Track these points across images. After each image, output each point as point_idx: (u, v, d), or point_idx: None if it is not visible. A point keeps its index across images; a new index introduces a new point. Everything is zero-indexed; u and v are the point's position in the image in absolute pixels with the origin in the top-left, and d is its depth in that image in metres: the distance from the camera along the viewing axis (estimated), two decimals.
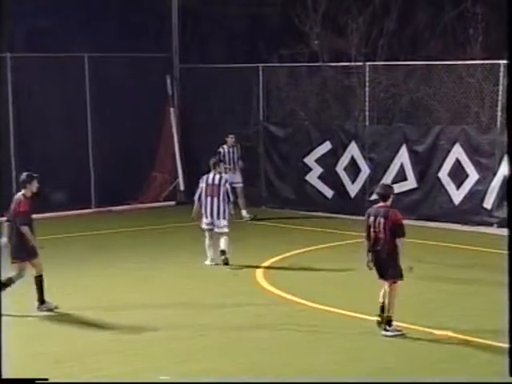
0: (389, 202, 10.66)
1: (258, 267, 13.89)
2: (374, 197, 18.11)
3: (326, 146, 18.94)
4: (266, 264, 14.17)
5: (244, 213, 18.25)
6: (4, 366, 6.38)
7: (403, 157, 17.84)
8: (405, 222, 17.68)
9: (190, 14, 21.46)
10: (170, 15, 20.97)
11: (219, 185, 14.20)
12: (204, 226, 14.33)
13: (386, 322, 10.18)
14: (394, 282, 10.32)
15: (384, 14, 19.41)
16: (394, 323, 10.21)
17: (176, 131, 20.61)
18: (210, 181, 14.24)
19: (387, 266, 10.32)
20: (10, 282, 11.44)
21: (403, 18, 19.61)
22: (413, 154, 17.72)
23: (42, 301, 11.49)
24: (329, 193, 18.97)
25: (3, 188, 18.60)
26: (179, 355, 9.57)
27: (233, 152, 18.29)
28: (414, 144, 17.74)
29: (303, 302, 11.80)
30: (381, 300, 10.31)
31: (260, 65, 19.91)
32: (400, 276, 10.34)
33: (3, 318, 7.59)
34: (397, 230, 10.44)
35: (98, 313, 11.40)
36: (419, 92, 17.89)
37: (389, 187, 11.03)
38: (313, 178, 19.16)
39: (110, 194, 19.52)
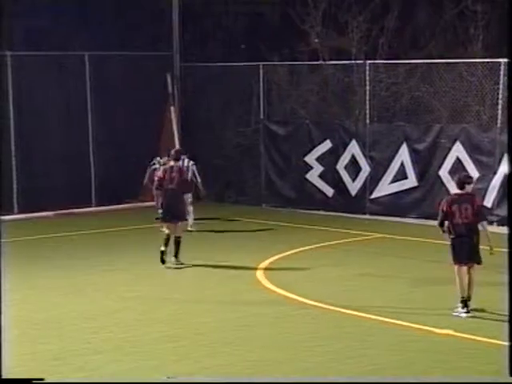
0: (470, 189, 11.06)
1: (258, 266, 13.87)
2: (375, 196, 18.22)
3: (327, 145, 18.91)
4: (266, 263, 14.15)
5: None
6: (4, 366, 6.33)
7: (404, 155, 17.81)
8: (405, 220, 17.91)
9: (190, 12, 21.44)
10: (170, 13, 20.95)
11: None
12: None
13: (465, 301, 10.75)
14: (478, 264, 10.86)
15: (384, 12, 19.36)
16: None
17: (176, 129, 20.58)
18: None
19: (475, 250, 10.81)
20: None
21: (404, 16, 19.56)
22: (413, 152, 17.69)
23: (176, 256, 14.01)
24: (329, 191, 18.94)
25: (4, 185, 18.66)
26: (177, 354, 9.55)
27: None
28: (415, 142, 17.71)
29: (303, 300, 11.78)
30: (465, 290, 10.79)
31: (260, 63, 19.89)
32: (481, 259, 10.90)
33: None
34: (480, 215, 10.95)
35: (98, 311, 11.38)
36: (420, 90, 17.84)
37: (468, 176, 11.67)
38: (313, 176, 19.13)
39: (111, 192, 19.52)
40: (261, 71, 19.88)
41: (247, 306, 11.57)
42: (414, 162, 17.67)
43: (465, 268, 10.90)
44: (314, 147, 19.07)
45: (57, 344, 9.92)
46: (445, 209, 10.93)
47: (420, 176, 17.64)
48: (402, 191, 17.90)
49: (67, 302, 11.92)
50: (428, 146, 17.51)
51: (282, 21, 21.71)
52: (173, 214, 14.10)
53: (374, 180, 18.27)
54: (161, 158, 17.06)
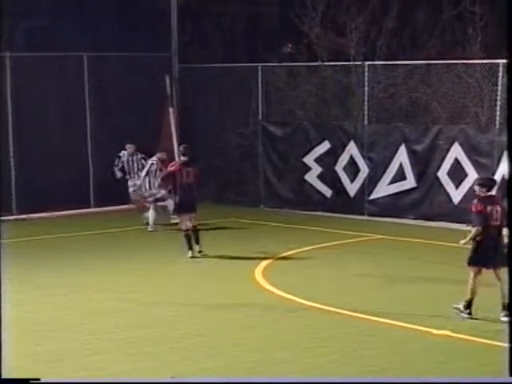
0: (494, 192, 11.22)
1: (257, 267, 13.89)
2: (374, 197, 18.24)
3: (325, 146, 18.94)
4: (265, 264, 14.17)
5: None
6: (4, 366, 6.35)
7: (402, 156, 17.84)
8: (404, 221, 17.94)
9: (189, 13, 21.46)
10: (169, 14, 20.96)
11: None
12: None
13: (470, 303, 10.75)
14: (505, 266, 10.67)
15: (383, 13, 19.39)
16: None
17: (175, 131, 20.57)
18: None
19: (502, 252, 10.59)
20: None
21: (402, 17, 19.58)
22: (412, 153, 17.72)
23: (198, 242, 14.75)
24: (328, 192, 18.97)
25: (2, 186, 18.65)
26: (178, 355, 9.57)
27: (132, 160, 18.15)
28: (413, 143, 17.74)
29: (302, 301, 11.80)
30: (475, 292, 10.73)
31: (259, 64, 19.91)
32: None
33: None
34: (505, 218, 10.82)
35: (98, 312, 11.41)
36: (418, 91, 17.88)
37: (492, 179, 12.11)
38: (312, 177, 19.15)
39: (109, 192, 19.51)
40: (259, 72, 19.90)
41: (247, 307, 11.60)
42: (413, 163, 17.70)
43: (482, 271, 10.73)
44: (313, 148, 19.09)
45: (58, 345, 9.94)
46: (483, 210, 10.75)
47: (418, 177, 17.67)
48: (400, 192, 17.93)
49: (68, 302, 11.94)
50: (426, 147, 17.54)
51: (281, 22, 21.74)
52: (189, 206, 14.83)
53: (372, 181, 18.30)
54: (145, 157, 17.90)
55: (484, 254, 10.73)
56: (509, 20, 6.53)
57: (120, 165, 18.00)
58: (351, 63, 18.87)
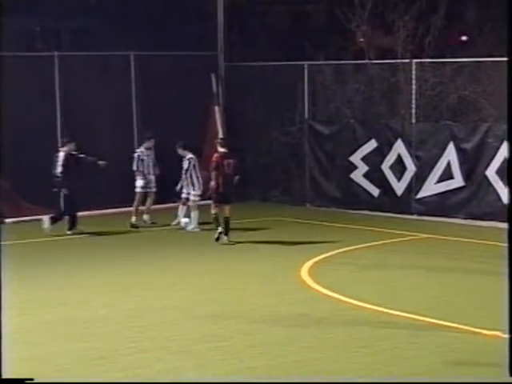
0: None
1: (302, 265, 13.81)
2: (421, 196, 18.05)
3: (372, 144, 18.79)
4: (310, 262, 14.09)
5: (146, 217, 17.93)
6: (4, 366, 6.33)
7: (450, 155, 17.62)
8: (451, 220, 17.70)
9: (235, 12, 21.46)
10: (215, 13, 20.98)
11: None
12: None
13: None
14: None
15: (431, 10, 19.18)
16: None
17: (221, 129, 20.60)
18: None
19: None
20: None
21: (451, 15, 19.36)
22: (460, 151, 17.50)
23: (227, 234, 15.44)
24: (375, 191, 18.82)
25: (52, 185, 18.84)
26: (222, 353, 9.52)
27: (148, 155, 18.03)
28: (462, 142, 17.52)
29: (348, 300, 11.70)
30: None
31: (305, 63, 19.83)
32: None
33: (4, 318, 7.47)
34: None
35: (143, 310, 11.42)
36: (467, 89, 17.65)
37: None
38: (358, 176, 19.02)
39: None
40: (306, 71, 19.82)
41: (292, 305, 11.52)
42: (461, 162, 17.48)
43: None
44: (359, 147, 18.95)
45: (102, 342, 9.95)
46: None
47: (467, 176, 17.44)
48: (448, 191, 17.72)
49: (114, 300, 11.97)
50: (475, 145, 17.29)
51: (328, 20, 21.63)
52: (227, 196, 15.46)
53: (419, 180, 18.11)
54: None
55: None
56: (509, 20, 6.46)
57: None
58: (398, 61, 18.70)
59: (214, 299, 11.93)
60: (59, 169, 16.86)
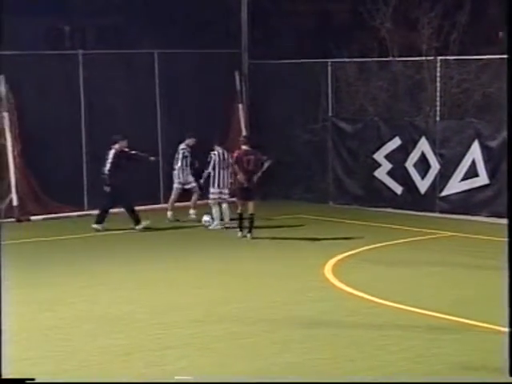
0: None
1: (326, 263, 13.80)
2: (445, 193, 17.97)
3: (396, 142, 18.73)
4: (334, 260, 14.08)
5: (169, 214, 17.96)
6: (4, 366, 6.36)
7: (475, 153, 17.53)
8: (476, 218, 17.60)
9: (258, 9, 21.44)
10: (239, 11, 20.98)
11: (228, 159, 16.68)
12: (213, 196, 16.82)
13: None
14: None
15: (457, 7, 19.05)
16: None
17: (244, 127, 20.61)
18: (221, 156, 16.84)
19: None
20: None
21: (476, 11, 19.22)
22: (485, 149, 17.40)
23: (251, 231, 15.70)
24: (398, 189, 18.76)
25: (74, 182, 18.93)
26: (246, 351, 9.54)
27: (190, 152, 18.00)
28: (487, 139, 17.42)
29: (372, 298, 11.68)
30: None
31: (329, 60, 19.78)
32: None
33: (5, 317, 7.50)
34: None
35: (167, 307, 11.46)
36: (492, 86, 17.53)
37: None
38: (382, 173, 18.96)
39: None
40: (329, 68, 19.78)
41: (316, 303, 11.52)
42: (486, 160, 17.39)
43: None
44: (383, 144, 18.90)
45: (127, 339, 10.00)
46: None
47: (491, 174, 17.34)
48: (473, 189, 17.63)
49: (138, 297, 12.03)
50: (500, 143, 17.17)
51: (351, 17, 21.56)
52: (248, 193, 15.69)
53: (443, 178, 18.03)
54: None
55: None
56: (509, 20, 6.42)
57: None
58: (423, 58, 18.61)
59: (236, 297, 11.95)
60: (107, 166, 16.95)
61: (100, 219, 16.97)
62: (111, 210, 17.23)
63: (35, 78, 18.52)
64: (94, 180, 19.14)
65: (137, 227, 16.93)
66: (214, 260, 14.37)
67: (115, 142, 17.11)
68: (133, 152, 17.16)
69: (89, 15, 21.36)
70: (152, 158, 17.44)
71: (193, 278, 13.20)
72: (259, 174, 16.01)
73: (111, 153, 16.96)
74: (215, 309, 11.35)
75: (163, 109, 20.03)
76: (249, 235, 15.74)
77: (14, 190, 18.19)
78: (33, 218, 18.29)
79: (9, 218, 17.87)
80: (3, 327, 6.21)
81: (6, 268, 7.59)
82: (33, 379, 6.98)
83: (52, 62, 18.93)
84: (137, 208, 17.41)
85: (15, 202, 18.19)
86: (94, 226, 16.91)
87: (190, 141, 18.06)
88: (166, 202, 19.70)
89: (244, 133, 20.08)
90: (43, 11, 20.67)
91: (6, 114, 18.36)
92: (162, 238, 16.59)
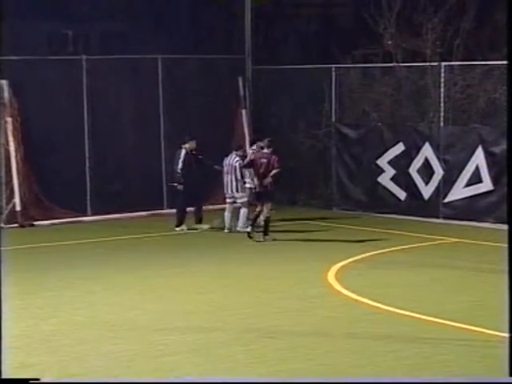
0: None
1: (329, 269, 13.77)
2: (449, 199, 17.94)
3: (400, 148, 18.70)
4: (337, 266, 14.04)
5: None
6: (4, 365, 6.33)
7: (479, 158, 17.50)
8: (480, 224, 17.56)
9: (262, 15, 21.46)
10: (242, 17, 20.98)
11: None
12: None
13: None
14: None
15: (461, 13, 19.04)
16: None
17: (248, 133, 20.60)
18: (226, 161, 16.98)
19: None
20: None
21: (480, 17, 19.21)
22: (489, 155, 17.37)
23: (266, 233, 15.89)
24: (402, 195, 18.73)
25: (77, 188, 18.91)
26: (250, 357, 9.51)
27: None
28: (491, 145, 17.39)
29: (376, 304, 11.64)
30: None
31: (332, 65, 19.77)
32: None
33: (5, 318, 7.48)
34: None
35: (170, 313, 11.43)
36: (496, 92, 17.52)
37: None
38: (385, 179, 18.94)
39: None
40: (333, 74, 19.76)
41: (320, 309, 11.49)
42: (490, 166, 17.35)
43: None
44: (387, 150, 18.87)
45: (130, 345, 9.97)
46: None
47: (496, 180, 17.31)
48: (476, 195, 17.60)
49: (142, 303, 12.00)
50: (505, 148, 17.09)
51: (355, 23, 21.56)
52: (261, 196, 15.98)
53: (447, 183, 18.00)
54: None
55: None
56: (509, 20, 6.39)
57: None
58: (427, 64, 18.59)
59: (239, 303, 11.92)
60: (180, 165, 17.18)
61: (180, 221, 17.25)
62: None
63: (38, 83, 18.51)
64: (96, 185, 19.14)
65: (177, 228, 17.19)
66: (217, 265, 14.35)
67: (185, 142, 17.40)
68: (200, 156, 17.45)
69: (92, 20, 21.38)
70: (217, 167, 17.47)
71: (195, 284, 13.16)
72: (269, 179, 16.06)
73: (182, 152, 17.24)
74: (218, 314, 11.31)
75: (166, 114, 20.02)
76: (266, 237, 15.99)
77: (17, 195, 18.18)
78: (36, 223, 18.28)
79: (12, 223, 17.85)
80: (4, 332, 6.19)
81: (8, 273, 7.55)
82: (37, 379, 6.96)
83: (55, 67, 18.95)
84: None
85: (18, 207, 18.18)
86: (177, 229, 17.19)
87: (191, 144, 17.75)
88: (170, 207, 19.69)
89: (247, 138, 20.08)
90: (47, 16, 20.71)
91: (9, 119, 18.36)
92: (163, 242, 16.55)
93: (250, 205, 16.96)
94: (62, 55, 20.08)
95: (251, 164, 16.37)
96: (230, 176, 16.98)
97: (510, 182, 7.33)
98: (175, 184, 17.29)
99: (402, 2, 19.31)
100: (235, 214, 17.15)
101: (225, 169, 17.05)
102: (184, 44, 20.20)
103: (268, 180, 16.10)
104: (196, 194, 17.23)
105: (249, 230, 16.22)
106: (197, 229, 17.22)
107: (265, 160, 16.11)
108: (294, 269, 14.03)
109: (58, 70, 18.96)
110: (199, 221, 17.33)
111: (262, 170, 16.12)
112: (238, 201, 17.02)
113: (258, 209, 16.23)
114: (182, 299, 12.18)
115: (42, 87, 18.70)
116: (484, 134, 17.54)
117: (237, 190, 16.95)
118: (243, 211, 17.03)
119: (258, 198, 16.28)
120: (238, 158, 17.03)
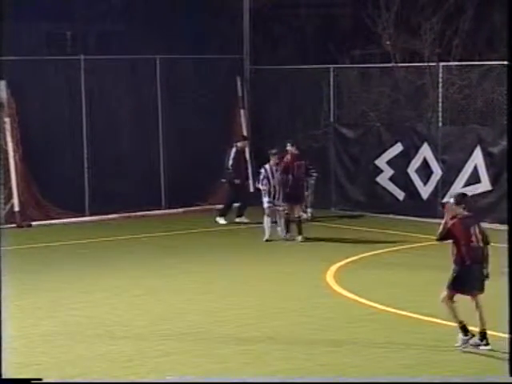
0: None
1: (328, 270, 13.76)
2: (446, 200, 17.92)
3: (398, 148, 18.70)
4: (336, 266, 14.04)
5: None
6: (4, 365, 6.33)
7: (477, 158, 17.50)
8: None
9: (261, 15, 21.44)
10: (240, 17, 20.97)
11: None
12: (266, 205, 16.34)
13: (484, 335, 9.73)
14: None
15: (459, 13, 19.05)
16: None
17: (246, 132, 20.59)
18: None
19: (482, 277, 10.03)
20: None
21: (479, 17, 19.21)
22: (487, 155, 17.37)
23: (301, 233, 15.89)
24: (400, 195, 18.74)
25: (76, 187, 18.90)
26: (249, 357, 9.51)
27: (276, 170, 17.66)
28: (489, 145, 17.39)
29: (374, 304, 11.65)
30: (462, 319, 9.84)
31: (331, 66, 19.77)
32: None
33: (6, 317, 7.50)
34: (486, 239, 10.20)
35: (168, 313, 11.42)
36: (494, 92, 17.52)
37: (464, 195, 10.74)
38: (384, 179, 18.94)
39: (180, 195, 19.59)
40: (331, 74, 19.76)
41: (318, 309, 11.49)
42: (488, 166, 17.35)
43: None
44: (385, 150, 18.87)
45: (129, 346, 9.96)
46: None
47: (494, 180, 17.31)
48: (475, 195, 17.58)
49: (140, 303, 11.99)
50: (503, 149, 17.14)
51: (353, 23, 21.56)
52: (297, 197, 16.14)
53: (446, 184, 17.99)
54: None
55: (473, 279, 9.96)
56: (509, 20, 6.40)
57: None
58: (425, 64, 18.59)
59: (238, 303, 11.92)
60: (230, 162, 17.82)
61: (224, 212, 17.73)
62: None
63: (37, 83, 18.49)
64: (95, 185, 19.12)
65: (237, 219, 17.64)
66: (216, 265, 14.34)
67: (237, 141, 18.28)
68: (247, 158, 18.49)
69: (90, 21, 21.34)
70: (236, 181, 17.94)
71: (195, 284, 13.15)
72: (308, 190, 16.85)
73: (233, 150, 17.95)
74: (217, 315, 11.31)
75: (164, 114, 20.00)
76: (299, 237, 15.99)
77: (15, 195, 18.17)
78: (34, 223, 18.26)
79: (10, 223, 17.84)
80: (3, 333, 6.18)
81: (6, 273, 7.54)
82: (40, 379, 6.97)
83: (53, 67, 18.93)
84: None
85: (16, 208, 18.16)
86: (218, 219, 17.64)
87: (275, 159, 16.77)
88: (168, 208, 19.68)
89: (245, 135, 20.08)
90: (45, 16, 20.68)
91: (7, 120, 18.34)
92: (161, 243, 16.53)
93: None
94: (61, 55, 20.03)
95: (286, 168, 16.17)
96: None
97: (510, 182, 7.34)
98: (226, 180, 17.99)
99: (400, 2, 19.31)
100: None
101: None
102: (182, 44, 20.16)
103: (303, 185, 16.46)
104: (244, 189, 18.11)
105: (288, 234, 16.19)
106: (239, 222, 17.73)
107: (300, 162, 16.29)
108: (292, 269, 14.02)
109: (57, 70, 18.95)
110: (240, 216, 17.90)
111: (299, 173, 16.25)
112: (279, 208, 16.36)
113: (287, 210, 16.13)
114: (180, 299, 12.17)
115: (41, 87, 18.68)
116: (482, 134, 17.54)
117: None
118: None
119: (292, 199, 16.15)
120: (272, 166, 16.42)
